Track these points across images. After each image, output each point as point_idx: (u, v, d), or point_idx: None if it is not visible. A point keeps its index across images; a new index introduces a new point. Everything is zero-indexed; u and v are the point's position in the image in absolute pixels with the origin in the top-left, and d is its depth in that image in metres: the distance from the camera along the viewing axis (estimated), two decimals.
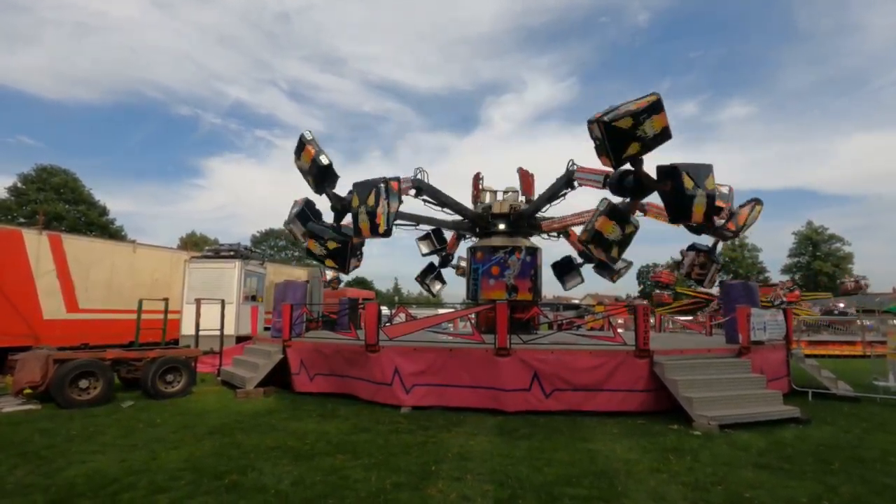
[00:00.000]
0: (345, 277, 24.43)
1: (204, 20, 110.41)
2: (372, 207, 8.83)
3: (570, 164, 11.07)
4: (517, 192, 13.47)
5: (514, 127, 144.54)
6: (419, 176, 11.87)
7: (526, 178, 13.77)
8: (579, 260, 15.18)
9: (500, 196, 13.26)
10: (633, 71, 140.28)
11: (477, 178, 13.71)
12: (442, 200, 12.48)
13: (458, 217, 13.36)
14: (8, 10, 67.72)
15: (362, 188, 9.07)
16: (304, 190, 10.50)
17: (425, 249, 15.63)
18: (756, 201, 10.67)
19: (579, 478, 4.98)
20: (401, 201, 9.35)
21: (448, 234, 15.47)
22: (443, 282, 16.83)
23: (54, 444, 6.06)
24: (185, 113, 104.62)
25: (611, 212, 8.48)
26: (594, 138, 7.85)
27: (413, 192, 11.97)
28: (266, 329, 16.26)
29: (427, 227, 14.09)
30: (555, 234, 14.52)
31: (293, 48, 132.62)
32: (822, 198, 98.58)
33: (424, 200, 12.41)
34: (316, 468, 5.20)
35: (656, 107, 7.72)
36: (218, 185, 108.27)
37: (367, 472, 5.10)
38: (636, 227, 8.64)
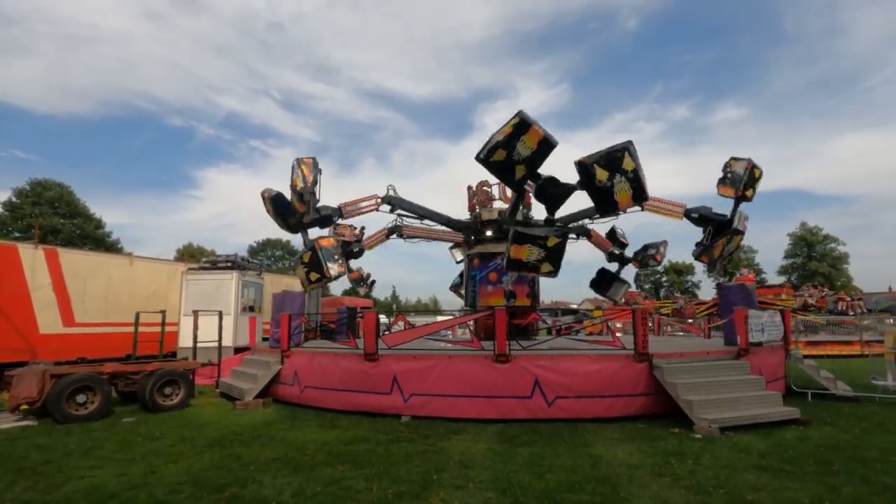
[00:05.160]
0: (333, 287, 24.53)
1: (196, 30, 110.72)
2: (314, 279, 10.43)
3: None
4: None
5: None
6: (390, 192, 11.97)
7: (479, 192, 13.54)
8: (612, 268, 14.59)
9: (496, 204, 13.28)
10: (624, 76, 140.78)
11: (470, 190, 13.69)
12: (421, 214, 12.48)
13: (447, 228, 13.38)
14: None
15: (314, 257, 10.30)
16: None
17: (459, 256, 15.50)
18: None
19: (582, 484, 4.97)
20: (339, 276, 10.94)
21: None
22: None
23: (52, 459, 6.01)
24: (178, 124, 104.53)
25: (517, 237, 8.47)
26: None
27: (387, 208, 12.07)
28: (265, 339, 16.22)
29: (435, 238, 14.16)
30: (574, 235, 13.91)
31: (286, 57, 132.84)
32: (816, 198, 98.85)
33: (400, 215, 12.45)
34: (316, 479, 5.17)
35: (522, 127, 7.75)
36: (214, 195, 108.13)
37: (369, 482, 5.07)
38: (562, 238, 8.54)
